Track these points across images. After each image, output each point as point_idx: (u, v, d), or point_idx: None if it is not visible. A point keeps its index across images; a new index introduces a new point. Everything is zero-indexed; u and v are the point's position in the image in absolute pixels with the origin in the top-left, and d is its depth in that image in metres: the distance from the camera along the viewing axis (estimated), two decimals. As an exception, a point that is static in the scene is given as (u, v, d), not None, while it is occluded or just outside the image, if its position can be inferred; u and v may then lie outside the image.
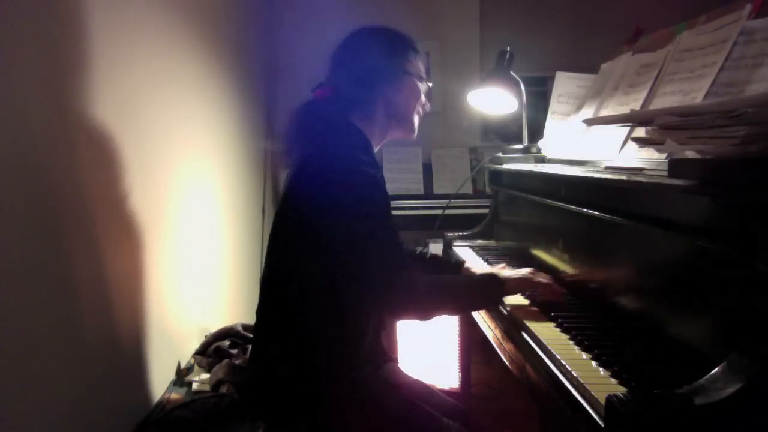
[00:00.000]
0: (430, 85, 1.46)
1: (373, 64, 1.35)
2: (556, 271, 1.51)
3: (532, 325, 1.20)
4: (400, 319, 1.45)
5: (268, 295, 1.34)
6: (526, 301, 1.37)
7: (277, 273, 1.32)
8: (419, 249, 1.66)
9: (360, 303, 1.25)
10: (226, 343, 1.89)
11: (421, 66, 1.42)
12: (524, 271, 1.37)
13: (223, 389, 1.67)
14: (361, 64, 1.36)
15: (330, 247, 1.20)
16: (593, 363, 0.99)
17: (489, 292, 1.33)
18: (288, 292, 1.28)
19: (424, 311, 1.26)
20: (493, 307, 1.39)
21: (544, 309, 1.29)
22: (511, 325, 1.28)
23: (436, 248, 2.59)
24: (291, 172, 1.33)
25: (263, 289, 1.35)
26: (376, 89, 1.35)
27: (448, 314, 1.30)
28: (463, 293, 1.31)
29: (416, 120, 1.44)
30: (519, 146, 2.06)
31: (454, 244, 2.10)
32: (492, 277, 1.34)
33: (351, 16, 2.90)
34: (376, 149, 1.40)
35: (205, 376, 1.76)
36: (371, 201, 1.21)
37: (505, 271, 1.40)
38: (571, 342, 1.10)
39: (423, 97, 1.43)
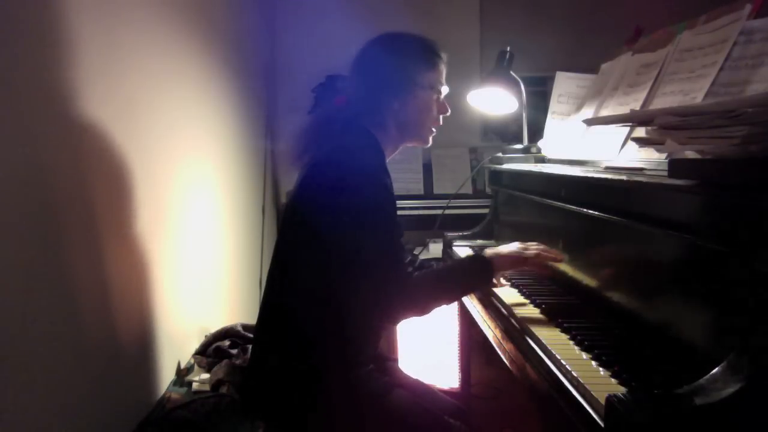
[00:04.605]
0: (446, 91, 1.44)
1: (382, 76, 1.36)
2: (556, 271, 1.51)
3: (533, 326, 1.20)
4: (399, 321, 1.46)
5: (273, 294, 1.34)
6: (526, 300, 1.37)
7: (283, 271, 1.32)
8: (409, 257, 1.65)
9: (362, 304, 1.26)
10: (226, 343, 1.89)
11: (436, 75, 1.40)
12: (513, 247, 1.37)
13: (223, 389, 1.67)
14: (371, 75, 1.37)
15: (333, 248, 1.21)
16: (593, 363, 0.99)
17: (478, 274, 1.34)
18: (292, 291, 1.29)
19: (420, 309, 1.27)
20: (485, 287, 1.43)
21: (547, 312, 1.30)
22: (511, 325, 1.28)
23: (436, 248, 2.60)
24: (303, 172, 1.34)
25: (268, 287, 1.36)
26: (383, 101, 1.36)
27: (446, 304, 1.32)
28: (453, 282, 1.32)
29: (429, 130, 1.44)
30: (519, 146, 2.06)
31: (454, 244, 2.10)
32: (478, 260, 1.35)
33: (351, 16, 2.91)
34: (389, 158, 1.41)
35: (205, 376, 1.76)
36: (377, 207, 1.22)
37: (492, 249, 1.39)
38: (571, 342, 1.10)
39: (435, 110, 1.42)
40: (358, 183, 1.21)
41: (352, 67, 1.40)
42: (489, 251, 1.37)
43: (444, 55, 1.41)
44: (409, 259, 1.63)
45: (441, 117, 1.45)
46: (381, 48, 1.39)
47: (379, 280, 1.21)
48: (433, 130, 1.44)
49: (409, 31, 1.42)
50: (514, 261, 1.36)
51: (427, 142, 1.46)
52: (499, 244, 2.05)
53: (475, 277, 1.35)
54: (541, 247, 1.39)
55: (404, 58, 1.37)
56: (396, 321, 1.41)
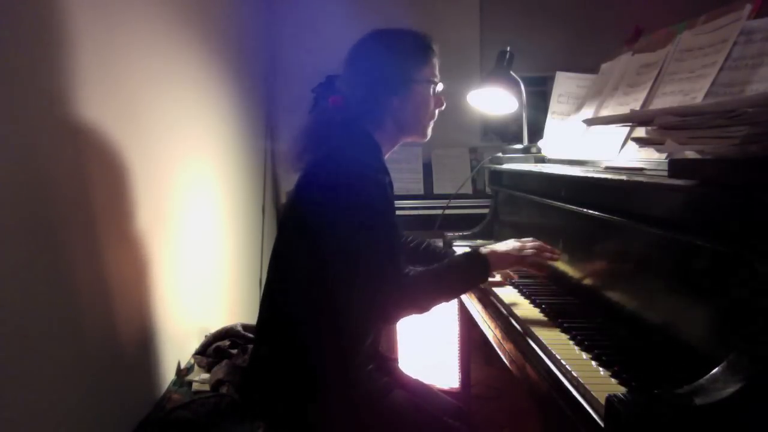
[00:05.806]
0: (442, 87, 1.44)
1: (379, 76, 1.35)
2: (556, 272, 1.51)
3: (533, 326, 1.20)
4: (396, 320, 1.46)
5: (273, 295, 1.34)
6: (526, 300, 1.37)
7: (282, 273, 1.32)
8: (415, 240, 1.65)
9: (359, 304, 1.26)
10: (226, 343, 1.89)
11: (431, 69, 1.40)
12: (510, 245, 1.36)
13: (223, 389, 1.67)
14: (367, 75, 1.36)
15: (330, 249, 1.21)
16: (593, 363, 0.99)
17: (476, 272, 1.33)
18: (292, 293, 1.29)
19: (419, 308, 1.27)
20: (483, 283, 1.43)
21: (547, 312, 1.29)
22: (511, 325, 1.28)
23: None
24: (301, 174, 1.34)
25: (267, 287, 1.36)
26: (382, 102, 1.36)
27: (445, 302, 1.31)
28: (450, 280, 1.31)
29: (428, 125, 1.43)
30: (519, 146, 2.06)
31: (454, 244, 2.09)
32: (475, 258, 1.34)
33: (351, 16, 2.91)
34: (387, 155, 1.41)
35: (205, 376, 1.76)
36: (373, 208, 1.21)
37: (488, 247, 1.38)
38: (571, 342, 1.10)
39: (432, 104, 1.41)
40: (355, 184, 1.21)
41: (345, 64, 1.39)
42: (485, 249, 1.36)
43: (436, 47, 1.41)
44: (415, 242, 1.64)
45: (437, 111, 1.44)
46: (375, 46, 1.38)
47: (375, 280, 1.21)
48: (431, 124, 1.44)
49: (399, 26, 1.41)
50: (512, 261, 1.36)
51: (426, 137, 1.45)
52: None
53: (473, 275, 1.34)
54: (537, 243, 1.38)
55: (399, 55, 1.36)
56: (393, 320, 1.40)
